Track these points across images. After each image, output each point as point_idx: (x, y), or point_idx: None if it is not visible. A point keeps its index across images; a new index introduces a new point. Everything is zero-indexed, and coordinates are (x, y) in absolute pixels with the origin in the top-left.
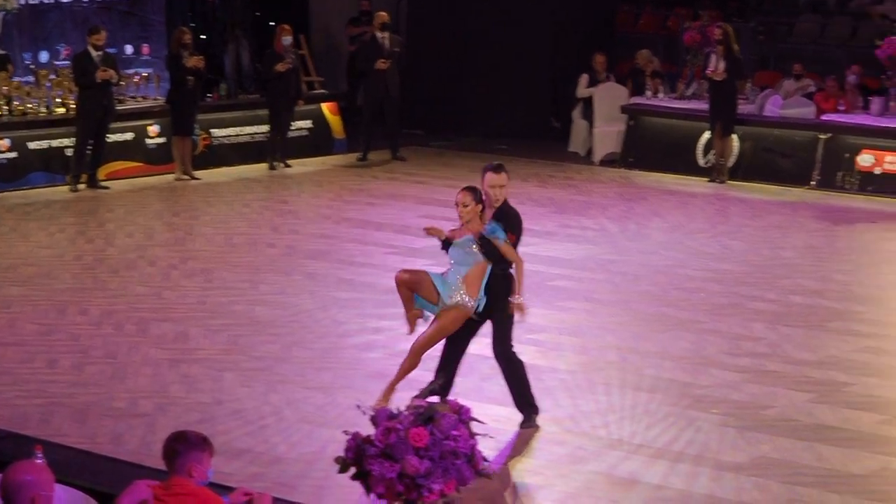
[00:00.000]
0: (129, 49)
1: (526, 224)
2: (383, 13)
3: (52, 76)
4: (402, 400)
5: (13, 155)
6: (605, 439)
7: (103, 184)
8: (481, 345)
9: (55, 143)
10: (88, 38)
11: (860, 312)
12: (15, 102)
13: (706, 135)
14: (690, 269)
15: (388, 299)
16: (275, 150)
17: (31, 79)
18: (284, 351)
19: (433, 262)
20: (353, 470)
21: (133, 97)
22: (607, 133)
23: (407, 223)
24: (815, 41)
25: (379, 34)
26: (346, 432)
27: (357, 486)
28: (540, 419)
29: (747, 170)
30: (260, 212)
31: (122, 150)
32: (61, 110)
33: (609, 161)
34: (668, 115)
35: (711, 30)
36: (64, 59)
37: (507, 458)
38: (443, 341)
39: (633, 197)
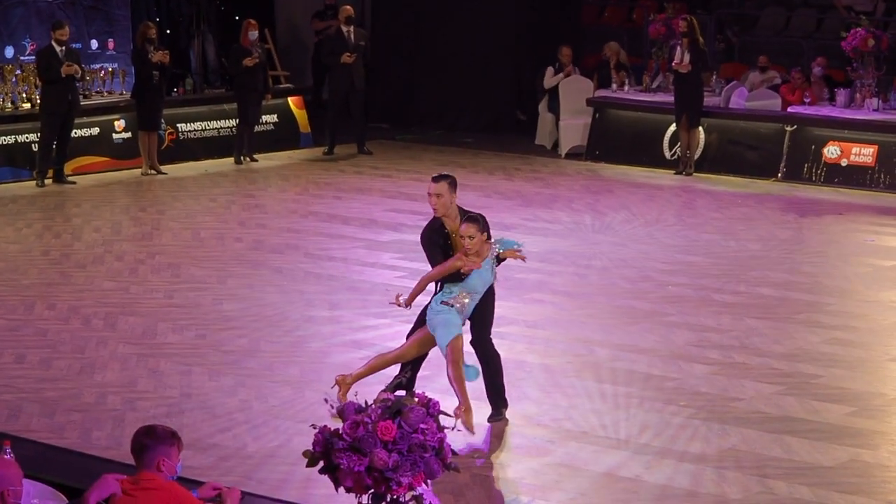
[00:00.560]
0: (94, 44)
1: (492, 217)
2: (348, 7)
3: (18, 71)
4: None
5: None
6: (573, 432)
7: (70, 179)
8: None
9: (21, 138)
10: (52, 34)
11: (828, 304)
12: None
13: (672, 127)
14: (657, 262)
15: (355, 292)
16: (242, 144)
17: None
18: (252, 345)
19: (400, 256)
20: (321, 464)
21: (99, 92)
22: (573, 126)
23: (374, 217)
24: (779, 33)
25: (344, 28)
26: (313, 426)
27: (325, 480)
28: (508, 412)
29: (713, 162)
30: (227, 206)
31: (89, 145)
32: (27, 105)
33: (575, 154)
34: (633, 107)
35: (676, 22)
36: (29, 55)
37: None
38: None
39: (600, 190)
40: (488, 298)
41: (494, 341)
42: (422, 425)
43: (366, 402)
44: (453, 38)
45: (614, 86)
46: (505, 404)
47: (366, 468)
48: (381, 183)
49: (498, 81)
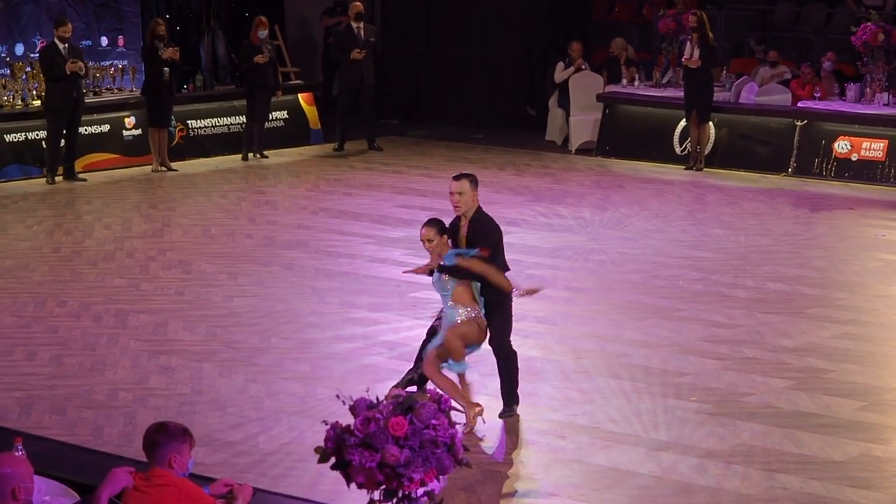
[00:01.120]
0: (104, 41)
1: (503, 212)
2: (358, 3)
3: (28, 69)
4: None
5: None
6: (584, 427)
7: (80, 176)
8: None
9: (31, 135)
10: (55, 31)
11: (838, 299)
12: None
13: (682, 123)
14: (668, 257)
15: (365, 288)
16: (251, 141)
17: (6, 71)
18: (263, 342)
19: (410, 252)
20: (332, 460)
21: (109, 89)
22: (584, 121)
23: (384, 213)
24: (790, 28)
25: (354, 24)
26: (325, 422)
27: (337, 476)
28: (519, 408)
29: (724, 157)
30: (237, 203)
31: (99, 142)
32: (37, 103)
33: (585, 149)
34: (643, 103)
35: (686, 17)
36: (39, 52)
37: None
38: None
39: (610, 185)
40: (507, 307)
41: None
42: (433, 421)
43: (377, 399)
44: (463, 34)
45: (624, 81)
46: (516, 400)
47: (377, 464)
48: (392, 179)
49: (508, 77)
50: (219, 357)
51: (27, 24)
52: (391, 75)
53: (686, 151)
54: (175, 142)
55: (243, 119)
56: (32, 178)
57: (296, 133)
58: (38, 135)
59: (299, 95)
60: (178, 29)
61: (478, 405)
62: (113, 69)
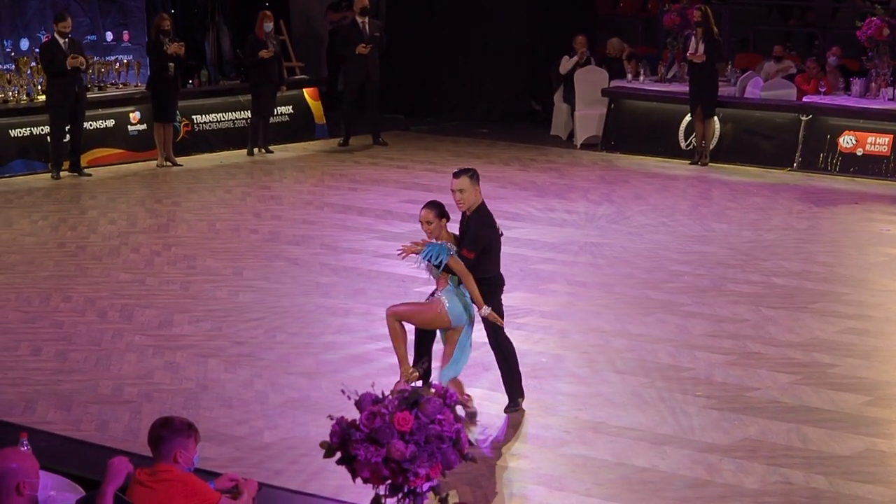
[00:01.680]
0: (109, 36)
1: (508, 208)
2: None
3: (33, 64)
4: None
5: None
6: (589, 422)
7: (85, 171)
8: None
9: (36, 130)
10: (55, 26)
11: (843, 294)
12: None
13: (687, 117)
14: (673, 252)
15: (370, 283)
16: (256, 136)
17: (11, 66)
18: (268, 337)
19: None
20: (338, 455)
21: (114, 84)
22: (589, 116)
23: (389, 208)
24: (795, 23)
25: (359, 19)
26: (330, 417)
27: (343, 471)
28: (524, 403)
29: (729, 152)
30: (242, 198)
31: (104, 137)
32: (42, 98)
33: (590, 144)
34: (649, 97)
35: (691, 12)
36: (39, 48)
37: (493, 441)
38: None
39: (615, 180)
40: (497, 300)
41: (511, 332)
42: (439, 416)
43: (382, 393)
44: (468, 29)
45: (629, 76)
46: (521, 394)
47: (383, 459)
48: (397, 174)
49: (513, 72)
50: (224, 352)
51: (32, 19)
52: (396, 70)
53: (691, 146)
54: (180, 137)
55: (248, 114)
56: (37, 174)
57: (301, 128)
58: (42, 130)
59: (304, 90)
60: (184, 24)
61: (416, 372)
62: (118, 64)
